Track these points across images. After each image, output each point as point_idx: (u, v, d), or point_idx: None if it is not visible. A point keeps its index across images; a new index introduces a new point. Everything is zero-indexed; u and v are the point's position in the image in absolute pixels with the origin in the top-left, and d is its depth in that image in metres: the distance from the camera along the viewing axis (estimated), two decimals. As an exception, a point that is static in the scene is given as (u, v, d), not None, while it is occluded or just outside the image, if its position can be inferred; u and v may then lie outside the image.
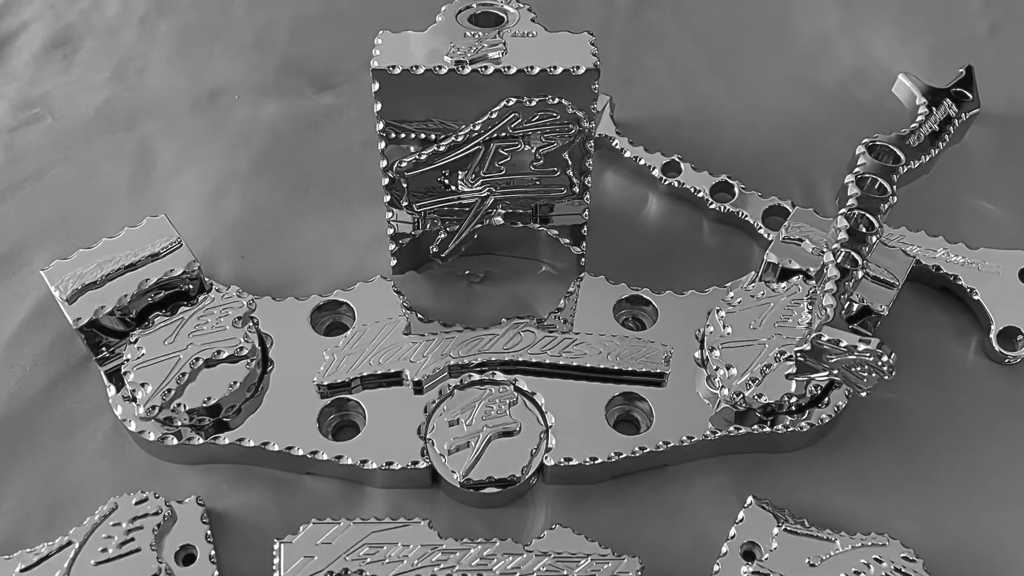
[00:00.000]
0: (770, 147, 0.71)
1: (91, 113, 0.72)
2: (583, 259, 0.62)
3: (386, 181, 0.57)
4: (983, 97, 0.70)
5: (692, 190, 0.66)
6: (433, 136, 0.54)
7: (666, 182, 0.66)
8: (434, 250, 0.61)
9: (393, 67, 0.52)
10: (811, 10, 0.81)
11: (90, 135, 0.70)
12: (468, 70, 0.52)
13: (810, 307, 0.55)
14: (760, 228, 0.64)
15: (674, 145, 0.70)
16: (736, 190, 0.65)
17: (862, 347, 0.47)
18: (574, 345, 0.56)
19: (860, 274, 0.52)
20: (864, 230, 0.55)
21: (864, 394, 0.49)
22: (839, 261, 0.52)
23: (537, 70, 0.52)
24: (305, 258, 0.64)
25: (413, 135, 0.54)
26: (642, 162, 0.67)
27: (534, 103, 0.53)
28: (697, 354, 0.56)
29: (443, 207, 0.58)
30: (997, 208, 0.68)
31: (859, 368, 0.48)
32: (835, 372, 0.49)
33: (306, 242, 0.65)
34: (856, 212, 0.56)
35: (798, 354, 0.49)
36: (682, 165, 0.67)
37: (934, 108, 0.66)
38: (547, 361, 0.56)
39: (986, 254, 0.61)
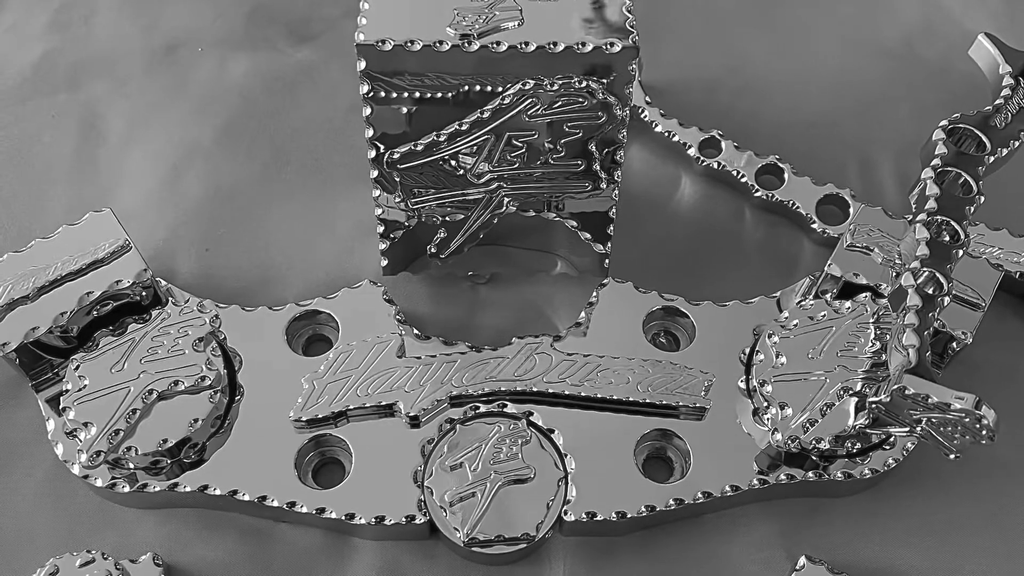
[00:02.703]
0: (822, 117, 0.62)
1: (26, 71, 0.61)
2: (607, 260, 0.53)
3: (375, 173, 0.47)
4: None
5: (734, 173, 0.56)
6: (429, 94, 0.44)
7: (703, 163, 0.57)
8: (432, 250, 0.51)
9: (383, 42, 0.41)
10: (868, -52, 0.70)
11: (24, 98, 0.60)
12: (476, 46, 0.41)
13: (879, 332, 0.47)
14: (814, 222, 0.55)
15: (711, 115, 0.60)
16: (786, 175, 0.56)
17: (956, 405, 0.39)
18: (598, 372, 0.48)
19: (947, 300, 0.44)
20: (948, 240, 0.46)
21: (953, 456, 0.41)
22: (920, 285, 0.44)
23: (561, 47, 0.41)
24: (280, 251, 0.55)
25: (406, 94, 0.44)
26: (676, 138, 0.57)
27: (556, 86, 0.43)
28: (742, 383, 0.48)
29: (444, 204, 0.49)
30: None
31: (950, 428, 0.40)
32: (919, 430, 0.40)
33: (281, 231, 0.55)
34: (937, 219, 0.47)
35: (874, 406, 0.41)
36: (723, 143, 0.57)
37: (1021, 79, 0.56)
38: (566, 392, 0.47)
39: (1078, 259, 0.53)
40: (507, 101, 0.44)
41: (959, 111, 0.60)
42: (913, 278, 0.44)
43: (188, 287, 0.52)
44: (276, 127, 0.59)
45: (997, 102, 0.54)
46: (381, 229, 0.50)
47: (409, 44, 0.41)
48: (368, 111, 0.44)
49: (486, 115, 0.44)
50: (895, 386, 0.40)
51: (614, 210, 0.50)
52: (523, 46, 0.42)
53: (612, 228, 0.51)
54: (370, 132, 0.45)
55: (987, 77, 0.59)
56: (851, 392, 0.45)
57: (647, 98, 0.58)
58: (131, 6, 0.65)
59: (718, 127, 0.59)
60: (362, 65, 0.42)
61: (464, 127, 0.45)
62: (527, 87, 0.43)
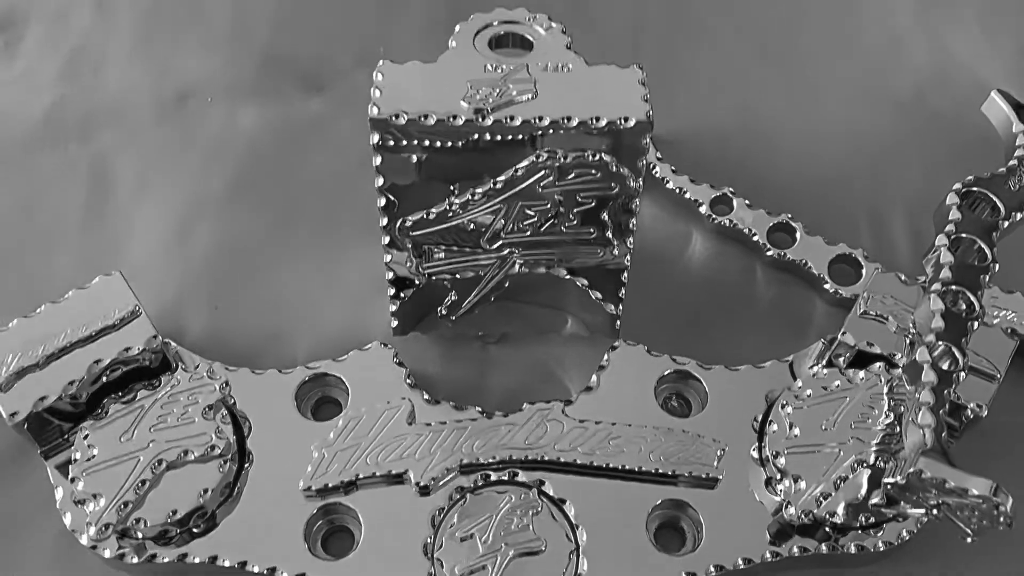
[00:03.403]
0: (834, 170, 0.61)
1: (37, 120, 0.61)
2: (618, 321, 0.53)
3: (386, 240, 0.47)
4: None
5: (746, 232, 0.56)
6: (439, 143, 0.43)
7: (715, 220, 0.57)
8: (442, 312, 0.51)
9: (397, 116, 0.41)
10: (879, -5, 0.70)
11: (34, 148, 0.60)
12: (490, 120, 0.41)
13: (892, 403, 0.46)
14: (826, 282, 0.55)
15: (722, 168, 0.60)
16: (798, 234, 0.56)
17: (974, 491, 0.38)
18: (610, 440, 0.47)
19: (963, 376, 0.43)
20: (964, 311, 0.46)
21: (970, 540, 0.41)
22: (936, 360, 0.43)
23: (576, 122, 0.41)
24: (290, 308, 0.54)
25: (415, 141, 0.43)
26: (687, 195, 0.57)
27: (569, 159, 0.43)
28: (755, 451, 0.48)
29: (456, 268, 0.49)
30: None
31: (967, 512, 0.39)
32: (935, 512, 0.40)
33: (291, 288, 0.55)
34: (952, 288, 0.46)
35: (889, 487, 0.41)
36: (734, 201, 0.57)
37: (1036, 138, 0.56)
38: (578, 461, 0.47)
39: (1095, 324, 0.52)
40: (520, 172, 0.43)
41: (972, 164, 0.60)
42: (928, 353, 0.43)
43: (197, 347, 0.51)
44: (286, 180, 0.59)
45: (1011, 163, 0.54)
46: (392, 292, 0.50)
47: (423, 119, 0.41)
48: (378, 160, 0.44)
49: (499, 185, 0.44)
50: (911, 469, 0.39)
51: (626, 274, 0.50)
52: (537, 120, 0.41)
53: (624, 291, 0.51)
54: (380, 181, 0.44)
55: (1000, 135, 0.59)
56: (865, 464, 0.45)
57: (658, 154, 0.58)
58: (142, 53, 0.65)
59: (730, 180, 0.59)
60: (375, 139, 0.42)
61: (476, 196, 0.45)
62: (540, 159, 0.43)
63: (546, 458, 0.47)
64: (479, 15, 0.46)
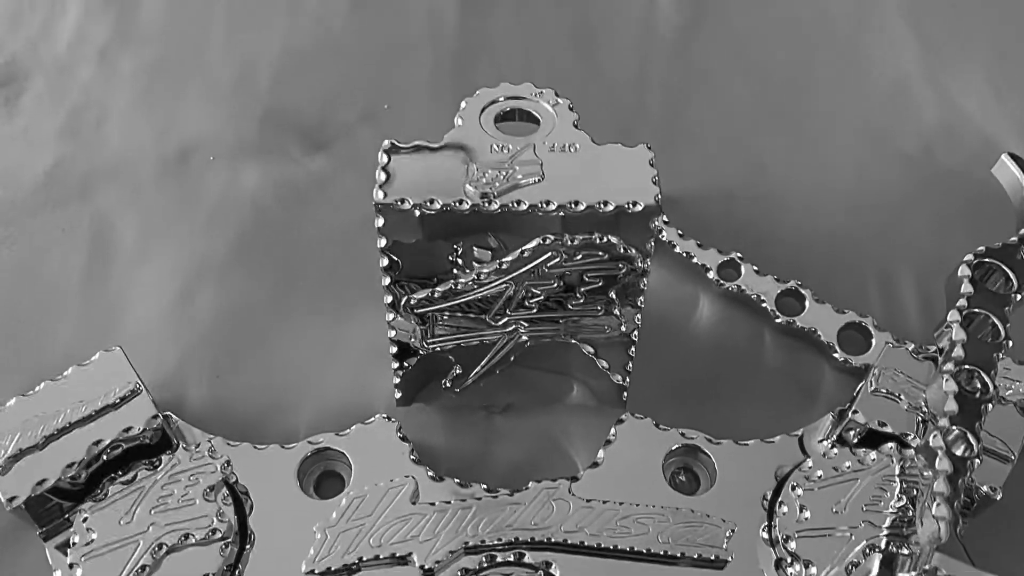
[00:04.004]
0: (842, 229, 0.61)
1: (38, 179, 0.60)
2: (625, 392, 0.52)
3: (391, 316, 0.46)
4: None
5: (755, 298, 0.56)
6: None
7: (723, 286, 0.56)
8: (447, 384, 0.51)
9: (402, 201, 0.41)
10: (887, 45, 0.69)
11: (35, 209, 0.59)
12: (496, 206, 0.41)
13: (905, 485, 0.45)
14: (835, 351, 0.54)
15: (729, 227, 0.59)
16: (807, 302, 0.55)
17: (990, 590, 0.38)
18: (617, 520, 0.47)
19: (977, 462, 0.43)
20: (978, 391, 0.45)
21: (984, 638, 0.40)
22: (950, 445, 0.43)
23: (583, 207, 0.41)
24: (292, 377, 0.54)
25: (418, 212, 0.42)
26: (695, 259, 0.57)
27: (577, 241, 0.42)
28: (764, 531, 0.47)
29: (460, 345, 0.48)
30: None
31: (982, 610, 0.39)
32: (949, 609, 0.39)
33: (294, 354, 0.54)
34: (964, 370, 0.46)
35: (902, 582, 0.40)
36: (742, 267, 0.56)
37: (1048, 204, 0.56)
38: (585, 543, 0.46)
39: (1109, 397, 0.52)
40: (527, 254, 0.43)
41: (982, 222, 0.59)
42: (943, 441, 0.43)
43: (198, 418, 0.51)
44: (289, 241, 0.58)
45: (1022, 232, 0.54)
46: (395, 365, 0.49)
47: (428, 204, 0.41)
48: (382, 242, 0.43)
49: (504, 265, 0.43)
50: (926, 566, 0.39)
51: (634, 348, 0.49)
52: (544, 205, 0.41)
53: (631, 364, 0.50)
54: (383, 242, 0.43)
55: (1011, 199, 0.58)
56: (877, 549, 0.44)
57: (664, 217, 0.57)
58: (145, 107, 0.64)
59: (737, 240, 0.58)
60: (380, 222, 0.42)
61: (482, 276, 0.44)
62: (547, 241, 0.42)
63: (553, 539, 0.46)
64: (485, 90, 0.46)
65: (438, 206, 0.40)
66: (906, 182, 0.63)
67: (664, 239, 0.57)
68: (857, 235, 0.60)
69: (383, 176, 0.41)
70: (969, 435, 0.43)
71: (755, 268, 0.56)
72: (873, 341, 0.54)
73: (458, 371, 0.50)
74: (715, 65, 0.67)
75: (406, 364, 0.51)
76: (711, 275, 0.56)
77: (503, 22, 0.68)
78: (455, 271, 0.45)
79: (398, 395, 0.51)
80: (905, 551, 0.43)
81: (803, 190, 0.62)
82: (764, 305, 0.55)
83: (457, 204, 0.41)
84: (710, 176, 0.62)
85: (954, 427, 0.43)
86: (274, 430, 0.51)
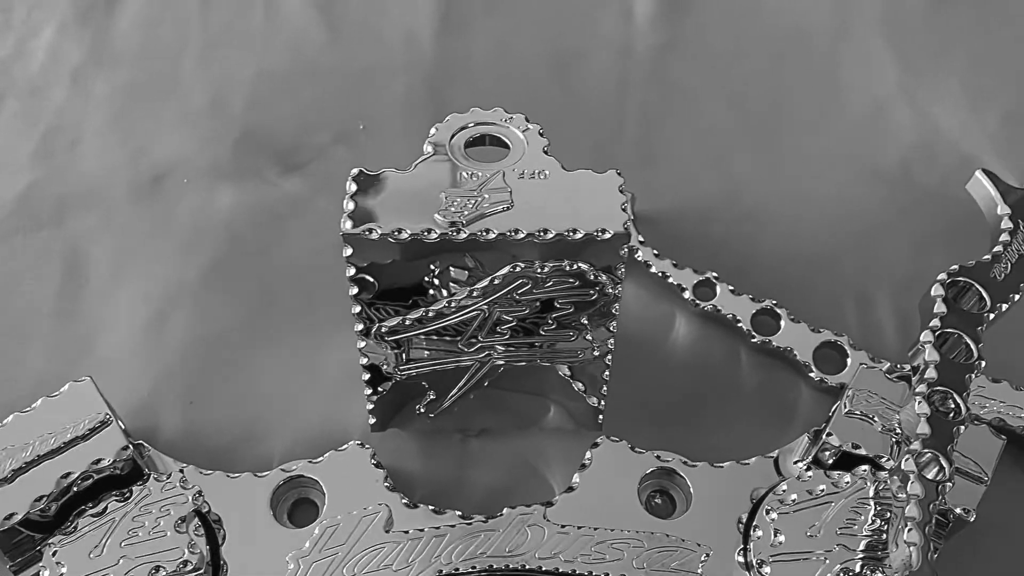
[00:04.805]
0: (819, 247, 0.61)
1: (11, 203, 0.60)
2: (600, 415, 0.52)
3: (362, 344, 0.46)
4: (1066, 182, 0.60)
5: (730, 318, 0.55)
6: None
7: (699, 306, 0.56)
8: (420, 410, 0.50)
9: (369, 231, 0.41)
10: (864, 64, 0.69)
11: (7, 235, 0.59)
12: (465, 235, 0.41)
13: (879, 508, 0.45)
14: (812, 371, 0.54)
15: (706, 246, 0.59)
16: (783, 321, 0.55)
17: (961, 617, 0.38)
18: (593, 545, 0.46)
19: (949, 486, 0.43)
20: (951, 414, 0.45)
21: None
22: (922, 469, 0.43)
23: (552, 235, 0.41)
24: (266, 402, 0.53)
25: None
26: (671, 279, 0.57)
27: (547, 269, 0.42)
28: (740, 555, 0.47)
29: (433, 371, 0.48)
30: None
31: (954, 637, 0.39)
32: (921, 634, 0.39)
33: (268, 379, 0.54)
34: (937, 391, 0.46)
35: (873, 607, 0.40)
36: (718, 287, 0.56)
37: (1021, 222, 0.55)
38: (560, 569, 0.46)
39: (1085, 414, 0.52)
40: (497, 281, 0.43)
41: (959, 239, 0.59)
42: (915, 464, 0.43)
43: (171, 445, 0.50)
44: (263, 264, 0.58)
45: (996, 249, 0.54)
46: (368, 391, 0.49)
47: (396, 233, 0.40)
48: (351, 271, 0.43)
49: (475, 293, 0.43)
50: (896, 593, 0.39)
51: (607, 372, 0.49)
52: (512, 234, 0.41)
53: (606, 388, 0.50)
54: (351, 271, 0.43)
55: (985, 216, 0.58)
56: (851, 573, 0.44)
57: (640, 237, 0.57)
58: (119, 129, 0.64)
59: (714, 259, 0.58)
60: (348, 252, 0.41)
61: (452, 305, 0.44)
62: (517, 269, 0.42)
63: (527, 566, 0.46)
64: (455, 116, 0.46)
65: (406, 235, 0.40)
66: (883, 200, 0.63)
67: (640, 259, 0.57)
68: (834, 254, 0.60)
69: (351, 205, 0.41)
70: (941, 458, 0.43)
71: (731, 288, 0.56)
72: (849, 360, 0.54)
73: (432, 396, 0.49)
74: (692, 84, 0.67)
75: (380, 390, 0.50)
76: (687, 295, 0.56)
77: (480, 44, 0.68)
78: (431, 292, 0.45)
79: (372, 421, 0.51)
80: (878, 575, 0.43)
81: (780, 209, 0.62)
82: (740, 325, 0.55)
83: (426, 233, 0.40)
84: (687, 195, 0.62)
85: (926, 450, 0.43)
86: (248, 458, 0.51)
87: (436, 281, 0.45)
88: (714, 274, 0.56)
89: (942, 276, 0.51)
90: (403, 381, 0.49)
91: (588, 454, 0.50)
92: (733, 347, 0.56)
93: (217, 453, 0.51)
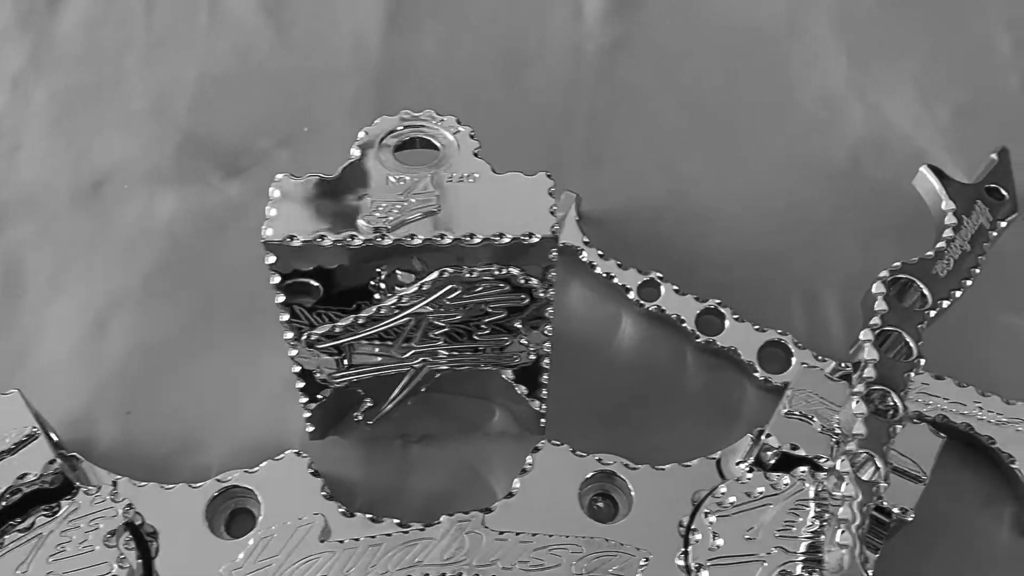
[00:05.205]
0: (767, 245, 0.60)
1: (-53, 212, 0.59)
2: (542, 419, 0.51)
3: (293, 352, 0.45)
4: (1021, 173, 0.60)
5: (674, 318, 0.55)
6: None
7: (644, 306, 0.56)
8: (359, 417, 0.50)
9: (291, 238, 0.40)
10: (816, 60, 0.69)
11: (-54, 244, 0.58)
12: (390, 240, 0.40)
13: (818, 510, 0.45)
14: (756, 371, 0.53)
15: (653, 246, 0.59)
16: (727, 321, 0.55)
17: (890, 621, 0.37)
18: (531, 552, 0.46)
19: (884, 486, 0.42)
20: (889, 413, 0.45)
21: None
22: (856, 469, 0.42)
23: (478, 240, 0.40)
24: (206, 412, 0.52)
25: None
26: (615, 280, 0.56)
27: (475, 274, 0.42)
28: (680, 559, 0.46)
29: (366, 379, 0.47)
30: (1037, 328, 0.58)
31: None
32: (854, 638, 0.39)
33: (207, 389, 0.53)
34: (876, 390, 0.45)
35: (805, 610, 0.40)
36: (662, 287, 0.56)
37: (964, 217, 0.55)
38: (497, 577, 0.46)
39: (1027, 410, 0.51)
40: (426, 287, 0.42)
41: (910, 235, 0.59)
42: (851, 464, 0.42)
43: (108, 457, 0.50)
44: (204, 270, 0.57)
45: (939, 245, 0.53)
46: (304, 400, 0.49)
47: (320, 239, 0.40)
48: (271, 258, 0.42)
49: (404, 299, 0.43)
50: (827, 596, 0.38)
51: (546, 375, 0.48)
52: (439, 239, 0.40)
53: (545, 391, 0.50)
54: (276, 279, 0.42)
55: (931, 211, 0.58)
56: (790, 575, 0.44)
57: (585, 238, 0.57)
58: (60, 135, 0.63)
59: (662, 260, 0.58)
60: (271, 260, 0.41)
61: (382, 311, 0.43)
62: (445, 275, 0.42)
63: (464, 575, 0.46)
64: (385, 118, 0.45)
65: (329, 242, 0.40)
66: (834, 197, 0.62)
67: (585, 260, 0.57)
68: (783, 252, 0.60)
69: (273, 211, 0.41)
70: (876, 458, 0.43)
71: (675, 288, 0.55)
72: (794, 359, 0.54)
73: (369, 403, 0.49)
74: (642, 83, 0.67)
75: (320, 397, 0.50)
76: (631, 295, 0.56)
77: (428, 45, 0.68)
78: (376, 297, 0.44)
79: (310, 429, 0.50)
80: (815, 578, 0.42)
81: (729, 207, 0.62)
82: (685, 325, 0.55)
83: (349, 239, 0.40)
84: (636, 195, 0.62)
85: (861, 450, 0.43)
86: (186, 468, 0.50)
87: (382, 285, 0.45)
88: (659, 274, 0.56)
89: (884, 273, 0.50)
90: (342, 388, 0.49)
91: (529, 459, 0.49)
92: (679, 347, 0.56)
93: (155, 464, 0.50)
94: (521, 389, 0.51)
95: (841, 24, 0.71)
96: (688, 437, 0.52)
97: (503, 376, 0.50)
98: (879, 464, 0.42)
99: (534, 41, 0.68)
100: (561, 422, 0.52)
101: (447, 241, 0.40)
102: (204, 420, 0.52)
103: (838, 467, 0.42)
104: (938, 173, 0.58)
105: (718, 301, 0.55)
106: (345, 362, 0.46)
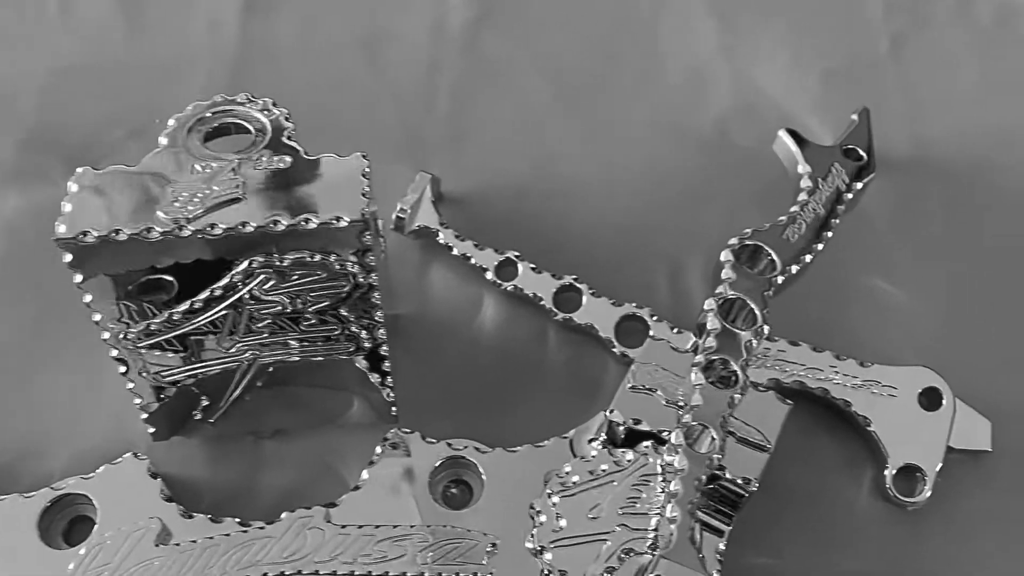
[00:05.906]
0: (632, 219, 0.59)
1: None
2: (393, 407, 0.50)
3: (114, 353, 0.44)
4: (883, 138, 0.59)
5: (532, 296, 0.54)
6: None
7: (502, 286, 0.54)
8: (198, 416, 0.48)
9: (84, 234, 0.38)
10: (686, 28, 0.68)
11: None
12: (189, 232, 0.38)
13: (664, 485, 0.44)
14: (615, 346, 0.53)
15: (517, 226, 0.58)
16: (584, 297, 0.54)
17: (712, 596, 0.37)
18: (374, 545, 0.45)
19: (717, 459, 0.42)
20: (727, 385, 0.44)
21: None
22: (691, 442, 0.42)
23: (283, 227, 0.38)
24: (49, 417, 0.50)
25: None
26: (473, 261, 0.55)
27: (287, 262, 0.40)
28: (530, 543, 0.45)
29: (195, 374, 0.45)
30: (897, 289, 0.57)
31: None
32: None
33: (49, 393, 0.51)
34: (716, 359, 0.45)
35: (632, 588, 0.39)
36: (519, 266, 0.54)
37: (820, 181, 0.55)
38: (339, 572, 0.44)
39: (881, 373, 0.51)
40: (237, 278, 0.40)
41: (778, 204, 0.58)
42: (684, 435, 0.42)
43: (-61, 471, 0.48)
44: (47, 272, 0.54)
45: (792, 209, 0.53)
46: (138, 401, 0.47)
47: (114, 234, 0.38)
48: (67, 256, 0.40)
49: (217, 292, 0.41)
50: (654, 574, 0.38)
51: (387, 363, 0.47)
52: (242, 227, 0.38)
53: (390, 379, 0.48)
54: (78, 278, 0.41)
55: (789, 175, 0.58)
56: (633, 553, 0.43)
57: (442, 220, 0.55)
58: None
59: (525, 239, 0.56)
60: (68, 258, 0.39)
61: (197, 305, 0.41)
62: (254, 263, 0.40)
63: (304, 572, 0.44)
64: (198, 104, 0.43)
65: (124, 236, 0.38)
66: (701, 166, 0.61)
67: (441, 241, 0.55)
68: (649, 224, 0.59)
69: (68, 207, 0.39)
70: (712, 429, 0.42)
71: (532, 266, 0.54)
72: (652, 332, 0.53)
73: (206, 402, 0.47)
74: (508, 57, 0.65)
75: (162, 397, 0.48)
76: (489, 276, 0.54)
77: (286, 27, 0.65)
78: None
79: (151, 430, 0.48)
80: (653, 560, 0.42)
81: (594, 182, 0.60)
82: (543, 303, 0.54)
83: (146, 233, 0.38)
84: (499, 173, 0.60)
85: (695, 422, 0.42)
86: (26, 476, 0.48)
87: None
88: (515, 253, 0.55)
89: (732, 241, 0.50)
90: (182, 388, 0.47)
91: (378, 448, 0.48)
92: (540, 326, 0.55)
93: (-8, 474, 0.48)
94: (375, 378, 0.50)
95: (713, -9, 0.70)
96: (550, 417, 0.51)
97: (356, 365, 0.49)
98: (715, 435, 0.42)
99: (396, 19, 0.66)
100: (419, 410, 0.51)
101: (249, 229, 0.38)
102: (47, 426, 0.50)
103: (673, 440, 0.42)
104: (796, 137, 0.57)
105: (574, 277, 0.54)
106: (173, 360, 0.44)
